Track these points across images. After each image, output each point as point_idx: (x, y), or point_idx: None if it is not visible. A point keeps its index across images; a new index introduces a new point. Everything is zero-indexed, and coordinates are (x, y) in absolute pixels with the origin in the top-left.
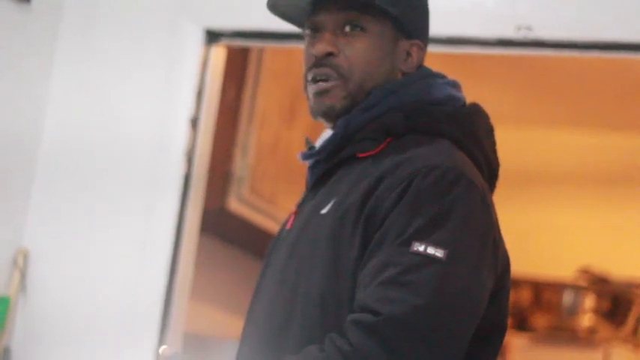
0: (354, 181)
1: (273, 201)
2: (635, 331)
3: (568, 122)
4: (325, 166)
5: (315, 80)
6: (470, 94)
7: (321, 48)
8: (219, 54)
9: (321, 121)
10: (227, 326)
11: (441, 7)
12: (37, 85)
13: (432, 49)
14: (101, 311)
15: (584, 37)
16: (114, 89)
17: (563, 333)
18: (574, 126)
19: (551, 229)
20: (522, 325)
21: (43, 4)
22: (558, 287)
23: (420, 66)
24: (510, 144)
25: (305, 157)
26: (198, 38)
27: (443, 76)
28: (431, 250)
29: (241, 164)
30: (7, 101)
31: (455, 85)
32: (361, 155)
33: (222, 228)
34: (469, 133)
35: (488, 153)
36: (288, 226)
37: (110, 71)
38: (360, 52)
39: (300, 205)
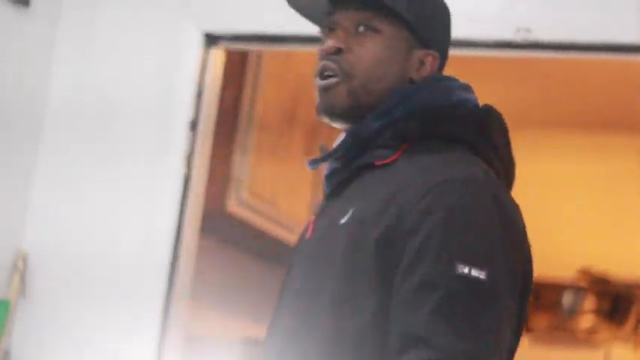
0: (371, 190)
1: (273, 203)
2: (635, 331)
3: (568, 123)
4: (342, 174)
5: (320, 74)
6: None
7: (331, 43)
8: (218, 57)
9: (324, 118)
10: (227, 328)
11: None
12: (35, 91)
13: None
14: (101, 316)
15: (583, 38)
16: (112, 93)
17: (563, 333)
18: (574, 127)
19: (551, 230)
20: None
21: (42, 8)
22: (558, 288)
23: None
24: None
25: (312, 163)
26: (197, 41)
27: (454, 79)
28: (475, 273)
29: (240, 166)
30: (4, 110)
31: (466, 88)
32: (378, 163)
33: (221, 230)
34: (483, 136)
35: (503, 153)
36: (307, 236)
37: (109, 75)
38: (368, 51)
39: (319, 214)
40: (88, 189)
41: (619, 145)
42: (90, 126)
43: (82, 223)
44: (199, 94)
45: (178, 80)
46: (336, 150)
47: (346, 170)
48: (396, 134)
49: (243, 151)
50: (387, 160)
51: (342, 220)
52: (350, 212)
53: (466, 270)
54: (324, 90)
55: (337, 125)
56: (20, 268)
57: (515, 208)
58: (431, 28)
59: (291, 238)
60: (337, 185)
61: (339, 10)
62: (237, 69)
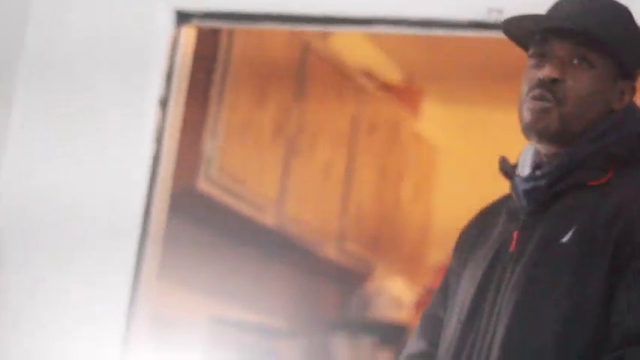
0: (591, 209)
1: (243, 182)
2: None
3: None
4: (546, 192)
5: (534, 99)
6: (438, 76)
7: (548, 72)
8: (189, 35)
9: (532, 138)
10: (195, 307)
11: None
12: (6, 64)
13: (403, 30)
14: (69, 293)
15: None
16: (82, 69)
17: None
18: None
19: None
20: None
21: None
22: None
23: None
24: (478, 125)
25: (527, 180)
26: (168, 19)
27: None
28: None
29: (211, 145)
30: None
31: None
32: (590, 184)
33: (191, 208)
34: None
35: None
36: (512, 248)
37: (79, 50)
38: (582, 84)
39: (521, 229)
40: (57, 165)
41: None
42: (59, 102)
43: (50, 199)
44: (170, 72)
45: (149, 57)
46: (554, 170)
47: (552, 189)
48: (606, 158)
49: (214, 130)
50: (600, 181)
51: (565, 239)
52: (572, 230)
53: None
54: (538, 112)
55: (540, 147)
56: None
57: None
58: (637, 61)
59: (260, 217)
60: (542, 202)
61: (556, 39)
62: (208, 47)
